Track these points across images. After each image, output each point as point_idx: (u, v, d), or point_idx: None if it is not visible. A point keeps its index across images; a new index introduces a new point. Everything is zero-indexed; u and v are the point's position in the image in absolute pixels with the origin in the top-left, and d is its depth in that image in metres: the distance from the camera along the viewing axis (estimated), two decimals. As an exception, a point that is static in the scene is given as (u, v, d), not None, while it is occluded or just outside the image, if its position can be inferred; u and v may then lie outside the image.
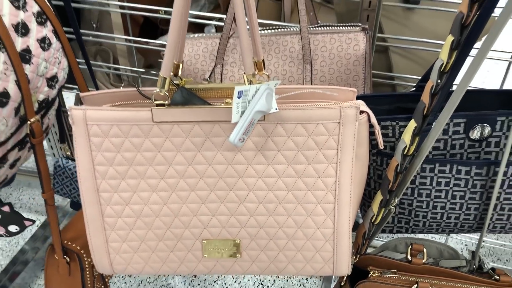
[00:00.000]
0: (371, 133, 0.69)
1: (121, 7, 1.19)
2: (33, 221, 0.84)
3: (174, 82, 0.65)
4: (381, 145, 0.66)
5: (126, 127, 0.64)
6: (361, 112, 0.64)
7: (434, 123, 0.65)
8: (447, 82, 0.63)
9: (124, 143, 0.65)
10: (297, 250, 0.71)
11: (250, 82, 0.60)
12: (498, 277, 0.78)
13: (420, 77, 1.02)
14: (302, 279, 1.38)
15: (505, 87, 0.96)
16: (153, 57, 1.31)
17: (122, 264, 0.73)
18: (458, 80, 0.62)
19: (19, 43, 0.72)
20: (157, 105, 0.63)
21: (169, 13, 1.22)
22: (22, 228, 0.84)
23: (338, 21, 1.04)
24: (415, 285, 0.76)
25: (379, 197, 0.72)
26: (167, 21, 1.30)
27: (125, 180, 0.67)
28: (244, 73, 0.60)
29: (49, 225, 0.87)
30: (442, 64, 0.61)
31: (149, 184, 0.67)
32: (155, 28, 1.35)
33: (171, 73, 0.62)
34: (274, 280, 1.38)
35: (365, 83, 0.81)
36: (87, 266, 0.92)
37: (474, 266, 0.86)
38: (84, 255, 0.91)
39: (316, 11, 0.97)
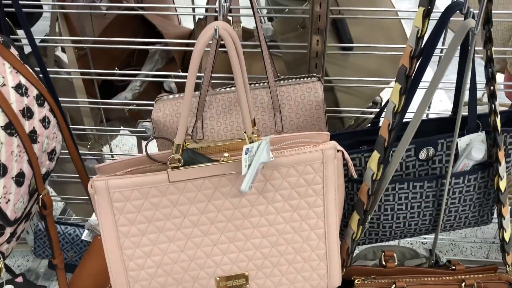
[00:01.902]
0: (344, 165, 0.84)
1: (82, 73, 1.26)
2: (45, 287, 0.90)
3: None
4: (354, 175, 0.81)
5: (145, 189, 0.74)
6: (337, 150, 0.79)
7: (392, 152, 0.82)
8: (399, 119, 0.80)
9: (144, 203, 0.75)
10: (297, 272, 0.84)
11: (251, 140, 0.73)
12: (454, 267, 0.95)
13: (361, 109, 1.21)
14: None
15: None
16: (114, 113, 1.39)
17: (145, 311, 0.82)
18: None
19: (27, 126, 0.80)
20: (173, 168, 0.73)
21: (125, 75, 1.32)
22: (37, 296, 0.90)
23: (287, 68, 1.20)
24: (393, 286, 0.91)
25: (356, 216, 0.87)
26: (122, 80, 1.39)
27: (146, 236, 0.77)
28: (245, 132, 0.73)
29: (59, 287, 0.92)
30: (394, 106, 0.78)
31: (167, 236, 0.77)
32: (111, 86, 1.43)
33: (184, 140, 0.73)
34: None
35: (326, 122, 0.96)
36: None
37: (433, 261, 1.04)
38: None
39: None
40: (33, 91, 0.83)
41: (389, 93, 0.81)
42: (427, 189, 0.90)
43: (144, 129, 1.07)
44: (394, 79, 0.78)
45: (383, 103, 1.22)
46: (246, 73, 0.73)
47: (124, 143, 2.21)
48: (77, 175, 1.25)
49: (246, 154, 0.70)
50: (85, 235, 1.21)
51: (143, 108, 1.29)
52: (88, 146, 1.38)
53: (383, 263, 0.94)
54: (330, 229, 0.82)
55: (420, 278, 0.93)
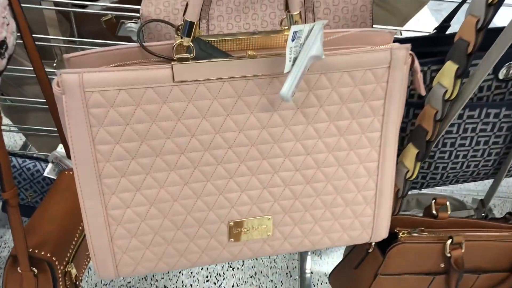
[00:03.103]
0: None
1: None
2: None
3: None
4: (423, 91, 0.60)
5: (138, 91, 0.50)
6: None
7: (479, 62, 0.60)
8: (451, 110, 0.60)
9: (136, 112, 0.51)
10: (335, 219, 0.63)
11: (295, 23, 0.50)
12: (516, 221, 0.77)
13: (394, 27, 0.98)
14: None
15: None
16: (89, 25, 1.13)
17: (130, 264, 0.60)
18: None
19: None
20: (179, 60, 0.50)
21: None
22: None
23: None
24: (449, 240, 0.72)
25: (412, 150, 0.66)
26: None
27: (135, 160, 0.54)
28: (288, 11, 0.50)
29: (12, 231, 0.69)
30: (445, 91, 0.61)
31: (166, 162, 0.55)
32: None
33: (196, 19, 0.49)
34: (243, 261, 1.29)
35: (372, 31, 0.74)
36: (60, 276, 0.76)
37: (483, 215, 0.85)
38: (56, 263, 0.74)
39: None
40: None
41: (421, 22, 0.59)
42: (503, 118, 0.69)
43: (128, 33, 0.82)
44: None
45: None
46: None
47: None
48: (41, 100, 1.01)
49: (293, 40, 0.47)
50: (49, 171, 0.97)
51: (126, 15, 1.03)
52: (54, 65, 1.11)
53: (434, 212, 0.75)
54: (385, 164, 0.61)
55: (478, 233, 0.74)
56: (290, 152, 0.57)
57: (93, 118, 0.51)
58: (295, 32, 0.47)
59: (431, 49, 0.70)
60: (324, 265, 1.27)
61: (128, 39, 0.95)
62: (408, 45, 0.55)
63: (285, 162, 0.58)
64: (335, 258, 1.29)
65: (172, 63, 0.50)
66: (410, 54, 0.57)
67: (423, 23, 2.05)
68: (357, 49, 0.54)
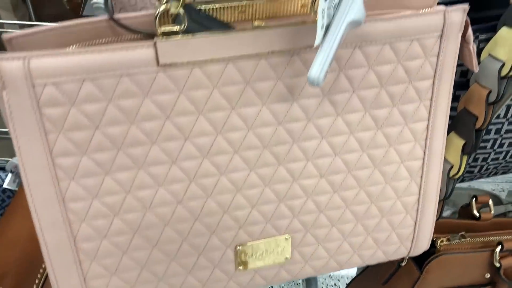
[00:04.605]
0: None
1: None
2: None
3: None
4: (475, 68, 0.47)
5: (109, 81, 0.36)
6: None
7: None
8: (507, 88, 0.47)
9: (108, 110, 0.37)
10: (368, 233, 0.50)
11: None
12: None
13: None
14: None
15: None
16: (50, 8, 0.97)
17: (111, 308, 0.46)
18: None
19: None
20: (165, 34, 0.36)
21: None
22: None
23: None
24: (499, 247, 0.59)
25: (457, 141, 0.54)
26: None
27: (111, 175, 0.40)
28: (315, -38, 0.36)
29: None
30: (502, 65, 0.47)
31: (152, 176, 0.40)
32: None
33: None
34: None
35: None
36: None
37: (522, 210, 0.74)
38: (18, 300, 0.60)
39: None
40: None
41: None
42: (562, 98, 0.57)
43: (94, 10, 0.67)
44: None
45: None
46: None
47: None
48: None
49: (325, 0, 0.33)
50: (8, 182, 0.82)
51: (91, -4, 0.87)
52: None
53: (475, 213, 0.63)
54: (432, 162, 0.48)
55: (529, 235, 0.62)
56: (314, 153, 0.44)
57: (49, 121, 0.36)
58: (329, -12, 0.33)
59: (472, 15, 0.57)
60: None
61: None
62: (466, 6, 0.42)
63: (307, 167, 0.44)
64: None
65: (155, 39, 0.36)
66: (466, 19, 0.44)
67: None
68: (400, 13, 0.41)
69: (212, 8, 0.41)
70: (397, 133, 0.45)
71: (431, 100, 0.45)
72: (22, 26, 0.93)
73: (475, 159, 0.63)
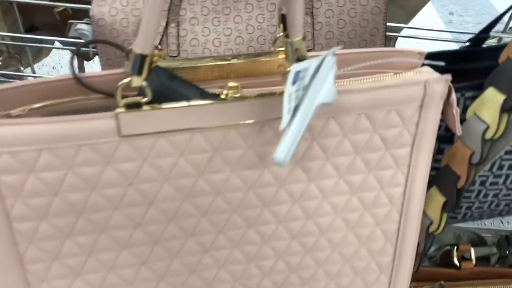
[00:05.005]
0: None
1: None
2: None
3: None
4: (458, 131, 0.45)
5: (68, 150, 0.35)
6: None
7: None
8: (490, 151, 0.45)
9: (67, 178, 0.36)
10: (340, 291, 0.49)
11: (299, 57, 0.35)
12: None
13: (403, 25, 0.83)
14: None
15: None
16: (40, 17, 0.95)
17: None
18: None
19: None
20: (127, 106, 0.34)
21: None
22: None
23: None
24: (477, 301, 0.59)
25: (438, 198, 0.52)
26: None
27: (72, 239, 0.38)
28: (287, 36, 0.34)
29: None
30: (487, 128, 0.47)
31: (115, 239, 0.39)
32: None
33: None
34: None
35: (384, 38, 0.59)
36: None
37: (507, 253, 0.72)
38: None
39: None
40: None
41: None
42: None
43: (78, 35, 0.65)
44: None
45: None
46: None
47: (63, 64, 1.68)
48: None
49: (293, 83, 0.32)
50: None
51: (82, 7, 0.85)
52: (-1, 63, 0.94)
53: (455, 262, 0.61)
54: (408, 225, 0.47)
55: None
56: (285, 216, 0.43)
57: (6, 188, 0.35)
58: (297, 73, 0.32)
59: (461, 66, 0.55)
60: None
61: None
62: (448, 77, 0.40)
63: (278, 229, 0.43)
64: None
65: (117, 110, 0.34)
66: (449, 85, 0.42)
67: (432, 19, 1.87)
68: (378, 82, 0.39)
69: (184, 68, 0.40)
70: (373, 198, 0.44)
71: (409, 166, 0.43)
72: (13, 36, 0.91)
73: (459, 207, 0.61)
